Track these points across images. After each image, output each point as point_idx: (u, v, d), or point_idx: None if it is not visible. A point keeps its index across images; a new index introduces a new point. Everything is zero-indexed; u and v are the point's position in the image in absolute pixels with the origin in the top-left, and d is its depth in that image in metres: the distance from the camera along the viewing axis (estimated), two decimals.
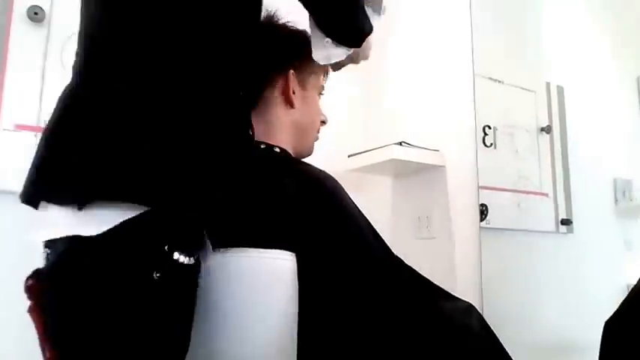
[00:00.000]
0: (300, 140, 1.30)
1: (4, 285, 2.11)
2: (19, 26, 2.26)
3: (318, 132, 1.36)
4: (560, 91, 2.45)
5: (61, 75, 2.29)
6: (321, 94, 1.36)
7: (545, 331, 2.28)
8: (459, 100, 2.51)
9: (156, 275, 0.89)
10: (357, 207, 1.12)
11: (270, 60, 1.26)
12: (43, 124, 2.24)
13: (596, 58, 2.41)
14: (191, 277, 0.96)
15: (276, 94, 1.26)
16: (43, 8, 2.29)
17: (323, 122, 1.37)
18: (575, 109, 2.41)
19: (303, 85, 1.29)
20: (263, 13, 1.27)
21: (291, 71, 1.26)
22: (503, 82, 2.49)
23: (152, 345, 0.90)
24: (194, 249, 0.96)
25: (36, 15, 2.27)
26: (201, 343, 1.11)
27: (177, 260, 0.91)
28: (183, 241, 0.93)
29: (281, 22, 1.32)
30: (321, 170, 1.17)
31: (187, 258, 0.93)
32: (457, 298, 1.10)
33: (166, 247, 0.90)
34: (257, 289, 1.06)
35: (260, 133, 1.23)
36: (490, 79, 2.47)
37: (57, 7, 2.32)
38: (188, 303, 0.97)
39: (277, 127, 1.26)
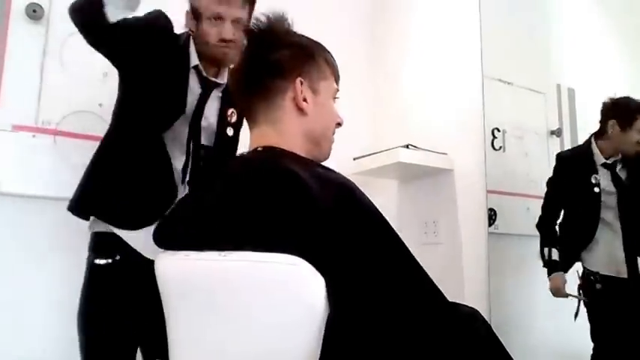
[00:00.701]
0: (316, 147, 1.31)
1: (2, 283, 2.09)
2: (18, 24, 2.24)
3: (333, 134, 1.37)
4: (571, 93, 2.44)
5: (59, 74, 2.27)
6: (335, 98, 1.37)
7: (552, 336, 2.28)
8: (467, 102, 2.51)
9: (88, 272, 1.77)
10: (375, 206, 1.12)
11: (278, 69, 1.26)
12: (41, 125, 2.23)
13: (607, 59, 2.40)
14: (108, 269, 1.74)
15: (287, 103, 1.26)
16: (42, 6, 2.26)
17: (339, 124, 1.37)
18: (586, 111, 2.39)
19: (315, 90, 1.29)
20: (269, 20, 1.29)
21: (299, 79, 1.26)
22: (512, 84, 2.50)
23: (99, 306, 1.74)
24: (108, 255, 1.75)
25: (34, 13, 2.24)
26: (213, 343, 1.12)
27: (96, 263, 1.75)
28: (99, 251, 1.77)
29: (286, 30, 1.32)
30: (339, 174, 1.17)
31: (104, 260, 1.74)
32: (461, 304, 1.10)
33: (91, 256, 1.78)
34: (259, 292, 1.05)
35: (274, 142, 1.24)
36: (499, 80, 2.47)
37: (56, 4, 2.29)
38: (113, 283, 1.74)
39: (290, 134, 1.26)
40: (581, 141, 2.34)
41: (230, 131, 1.92)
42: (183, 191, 1.84)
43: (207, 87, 1.86)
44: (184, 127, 1.84)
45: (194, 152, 1.86)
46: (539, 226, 2.26)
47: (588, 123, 2.35)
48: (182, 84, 1.81)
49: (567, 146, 2.40)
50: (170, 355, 1.23)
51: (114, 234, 1.76)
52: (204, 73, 1.85)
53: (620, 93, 2.22)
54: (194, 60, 1.83)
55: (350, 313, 1.00)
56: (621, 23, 2.37)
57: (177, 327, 1.21)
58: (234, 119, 1.93)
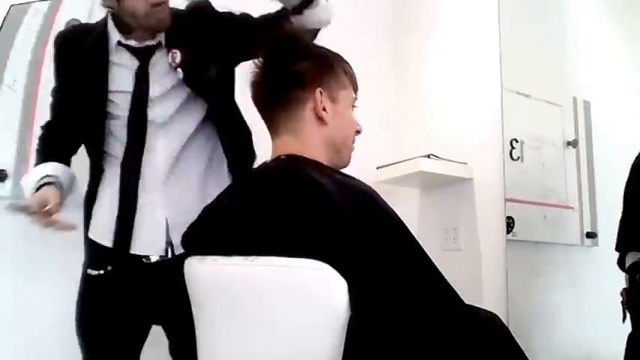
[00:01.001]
0: (336, 154, 1.33)
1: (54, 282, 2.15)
2: None
3: (353, 142, 1.38)
4: (587, 105, 2.46)
5: None
6: (353, 106, 1.39)
7: (569, 342, 2.29)
8: (486, 113, 2.53)
9: (82, 284, 1.66)
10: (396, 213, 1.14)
11: (298, 80, 1.28)
12: None
13: (623, 73, 2.42)
14: (100, 281, 1.62)
15: (308, 113, 1.28)
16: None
17: (358, 132, 1.39)
18: (601, 123, 2.42)
19: (334, 100, 1.31)
20: (290, 33, 1.34)
21: (319, 89, 1.28)
22: (530, 96, 2.50)
23: (91, 314, 1.65)
24: (100, 266, 1.63)
25: None
26: (240, 345, 1.14)
27: (90, 274, 1.64)
28: (91, 260, 1.66)
29: (306, 42, 1.36)
30: (360, 181, 1.20)
31: (95, 271, 1.63)
32: (481, 309, 1.11)
33: (86, 263, 1.67)
34: (284, 296, 1.07)
35: (296, 150, 1.27)
36: (518, 93, 2.48)
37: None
38: (105, 295, 1.62)
39: (312, 143, 1.28)
40: (596, 152, 2.38)
41: (179, 74, 1.66)
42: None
43: (145, 55, 1.66)
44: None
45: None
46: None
47: (603, 134, 2.38)
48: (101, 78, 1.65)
49: (583, 157, 2.42)
50: (199, 357, 1.25)
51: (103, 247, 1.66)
52: (137, 44, 1.66)
53: (634, 105, 2.26)
54: (115, 37, 1.65)
55: (371, 315, 1.01)
56: (636, 38, 2.39)
57: (206, 329, 1.23)
58: (178, 59, 1.65)
